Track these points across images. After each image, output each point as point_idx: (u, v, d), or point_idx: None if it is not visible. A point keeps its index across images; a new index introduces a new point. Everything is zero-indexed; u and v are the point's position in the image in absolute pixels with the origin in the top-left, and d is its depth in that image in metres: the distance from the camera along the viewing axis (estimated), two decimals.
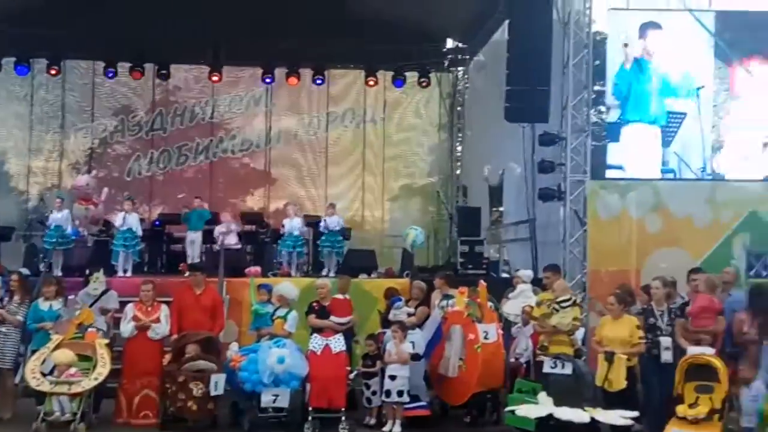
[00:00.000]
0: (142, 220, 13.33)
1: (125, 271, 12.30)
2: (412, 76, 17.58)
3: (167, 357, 9.16)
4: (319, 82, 17.45)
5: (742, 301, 8.91)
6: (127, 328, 9.27)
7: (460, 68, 18.32)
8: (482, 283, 9.69)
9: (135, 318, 9.28)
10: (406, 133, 18.47)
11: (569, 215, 11.61)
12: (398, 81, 17.56)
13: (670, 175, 11.80)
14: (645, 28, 11.72)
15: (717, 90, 11.88)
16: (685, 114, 11.80)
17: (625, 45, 11.75)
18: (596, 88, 15.22)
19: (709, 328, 8.57)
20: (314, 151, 18.17)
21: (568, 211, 11.58)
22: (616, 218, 11.45)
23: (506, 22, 12.64)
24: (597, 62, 12.42)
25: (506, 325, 9.93)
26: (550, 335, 8.78)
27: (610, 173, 11.91)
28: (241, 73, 17.84)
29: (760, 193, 11.58)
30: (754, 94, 11.93)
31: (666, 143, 11.78)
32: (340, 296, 9.85)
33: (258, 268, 12.35)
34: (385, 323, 9.75)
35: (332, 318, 9.46)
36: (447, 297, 9.71)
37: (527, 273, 10.61)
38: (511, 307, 10.12)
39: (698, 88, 11.82)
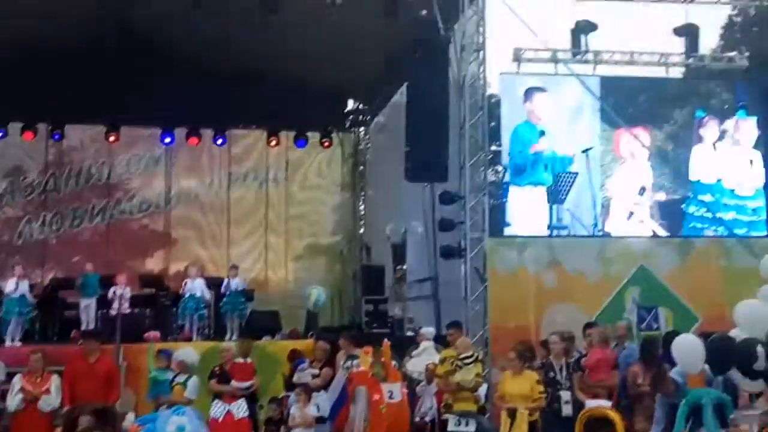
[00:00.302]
0: (32, 286, 12.76)
1: (13, 340, 11.69)
2: (314, 136, 17.70)
3: (58, 431, 8.68)
4: (220, 142, 17.33)
5: (636, 354, 9.19)
6: (14, 401, 8.78)
7: (361, 128, 18.56)
8: (386, 342, 9.67)
9: (23, 390, 8.80)
10: (309, 192, 18.46)
11: (470, 272, 11.74)
12: (300, 141, 17.65)
13: (565, 232, 12.16)
14: (531, 92, 12.21)
15: (604, 151, 12.38)
16: (576, 174, 12.26)
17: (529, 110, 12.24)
18: (493, 148, 15.72)
19: (605, 382, 8.78)
20: (216, 212, 17.88)
21: (469, 268, 11.71)
22: (515, 274, 11.71)
23: (405, 84, 12.90)
24: (492, 124, 12.79)
25: (411, 383, 9.90)
26: (454, 393, 8.81)
27: (508, 230, 12.17)
28: (139, 133, 17.52)
29: (647, 249, 12.10)
30: (635, 158, 12.53)
31: (560, 201, 12.17)
32: (241, 360, 9.63)
33: (157, 333, 11.96)
34: (289, 386, 9.57)
35: (233, 383, 9.22)
36: (352, 357, 9.63)
37: (430, 330, 10.67)
38: (415, 365, 10.12)
39: (587, 149, 12.31)
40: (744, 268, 7.38)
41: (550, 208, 12.07)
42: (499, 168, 12.94)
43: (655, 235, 12.35)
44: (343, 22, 12.38)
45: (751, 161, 12.80)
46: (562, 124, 12.37)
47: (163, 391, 9.08)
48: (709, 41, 18.87)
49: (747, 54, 16.68)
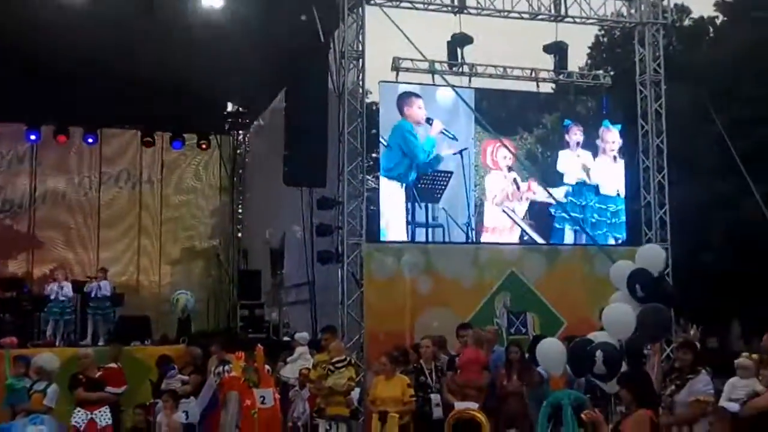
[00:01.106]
0: None
1: None
2: (191, 138, 17.35)
3: None
4: (90, 141, 16.67)
5: (503, 357, 9.46)
6: None
7: (241, 132, 18.33)
8: (259, 347, 9.56)
9: None
10: (186, 195, 18.08)
11: (347, 277, 11.76)
12: (177, 142, 17.25)
13: (439, 231, 12.35)
14: (407, 96, 12.38)
15: (477, 152, 12.68)
16: (451, 173, 12.46)
17: (428, 121, 12.35)
18: (374, 155, 15.86)
19: (476, 382, 9.00)
20: (85, 213, 17.20)
21: (346, 273, 11.72)
22: (391, 280, 11.80)
23: (284, 89, 12.83)
24: (374, 131, 12.91)
25: (284, 388, 9.83)
26: (326, 397, 8.80)
27: (384, 236, 12.28)
28: (2, 129, 16.61)
29: (517, 255, 12.48)
30: (501, 167, 12.90)
31: (435, 199, 12.36)
32: (113, 365, 9.27)
33: (14, 339, 11.34)
34: (157, 393, 9.30)
35: (109, 389, 8.85)
36: (224, 363, 9.48)
37: (304, 336, 10.64)
38: (290, 370, 10.08)
39: (461, 150, 12.55)
40: (604, 275, 7.73)
41: (427, 207, 12.24)
42: (379, 175, 13.04)
43: (524, 243, 12.75)
44: (222, 24, 12.19)
45: (614, 168, 13.41)
46: (437, 125, 12.52)
47: (21, 399, 8.61)
48: (577, 59, 19.88)
49: (611, 72, 17.67)
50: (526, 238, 12.84)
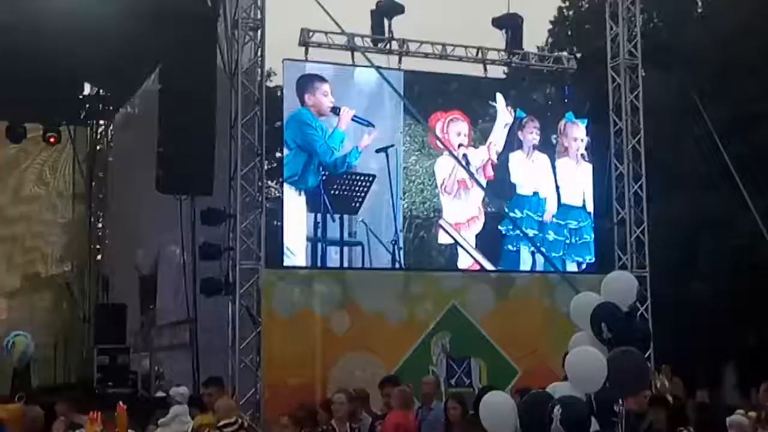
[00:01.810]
0: None
1: None
2: (34, 129, 16.85)
3: None
4: None
5: (443, 416, 9.44)
6: None
7: (102, 122, 18.02)
8: (121, 405, 9.28)
9: None
10: (27, 205, 17.68)
11: (240, 313, 11.70)
12: (15, 134, 16.71)
13: (358, 249, 12.34)
14: (309, 80, 12.35)
15: (408, 150, 12.73)
16: (373, 176, 12.49)
17: (334, 110, 12.30)
18: (277, 155, 15.78)
19: None
20: None
21: (239, 307, 11.67)
22: (297, 316, 11.78)
23: (159, 67, 12.66)
24: (277, 123, 12.83)
25: None
26: None
27: (290, 260, 12.20)
28: None
29: (460, 285, 12.56)
30: (453, 147, 12.99)
31: (352, 210, 12.39)
32: None
33: None
34: None
35: None
36: (73, 426, 9.20)
37: (181, 391, 10.39)
38: None
39: (385, 148, 12.54)
40: (568, 309, 7.81)
41: (341, 220, 12.29)
42: (282, 180, 12.97)
43: (468, 269, 12.83)
44: None
45: (579, 172, 13.61)
46: (346, 114, 12.45)
47: None
48: (534, 37, 20.23)
49: (577, 55, 18.05)
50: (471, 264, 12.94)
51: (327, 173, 12.28)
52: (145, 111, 14.91)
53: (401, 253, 12.57)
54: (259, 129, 11.96)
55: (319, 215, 12.20)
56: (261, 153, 11.99)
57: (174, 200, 13.29)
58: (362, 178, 12.47)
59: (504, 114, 13.30)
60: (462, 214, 13.00)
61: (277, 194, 18.99)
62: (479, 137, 13.17)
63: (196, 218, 12.68)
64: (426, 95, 13.00)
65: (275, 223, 15.60)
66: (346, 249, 12.40)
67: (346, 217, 12.34)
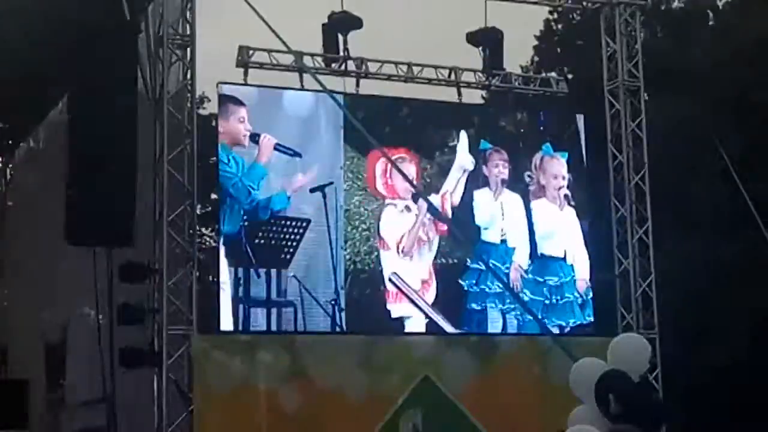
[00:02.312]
0: None
1: None
2: None
3: None
4: None
5: None
6: None
7: None
8: None
9: None
10: None
11: (168, 390, 11.62)
12: None
13: (290, 310, 12.25)
14: (223, 102, 12.32)
15: (349, 188, 12.66)
16: (307, 221, 12.40)
17: (253, 138, 12.22)
18: (213, 196, 15.72)
19: None
20: None
21: (166, 382, 11.59)
22: (238, 393, 11.73)
23: (66, 94, 12.63)
24: (212, 159, 12.81)
25: None
26: None
27: (227, 323, 12.13)
28: None
29: (433, 351, 12.56)
30: (397, 195, 12.89)
31: (281, 263, 12.25)
32: None
33: None
34: None
35: None
36: None
37: None
38: None
39: (321, 186, 12.46)
40: (563, 380, 7.78)
41: (268, 276, 12.17)
42: (219, 228, 12.92)
43: (443, 332, 12.80)
44: None
45: (560, 218, 13.62)
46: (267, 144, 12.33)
47: None
48: (517, 55, 20.36)
49: (569, 75, 18.22)
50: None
51: (248, 218, 12.18)
52: (52, 145, 14.83)
53: (342, 315, 12.47)
54: (189, 166, 11.89)
55: (240, 270, 12.09)
56: (193, 195, 11.91)
57: (87, 252, 13.16)
58: (293, 223, 12.36)
59: (464, 157, 13.27)
60: (414, 278, 12.87)
61: (213, 244, 18.90)
62: (437, 173, 13.15)
63: (114, 274, 12.51)
64: (371, 123, 12.73)
65: (210, 279, 15.50)
66: (274, 311, 12.29)
67: (273, 271, 12.21)
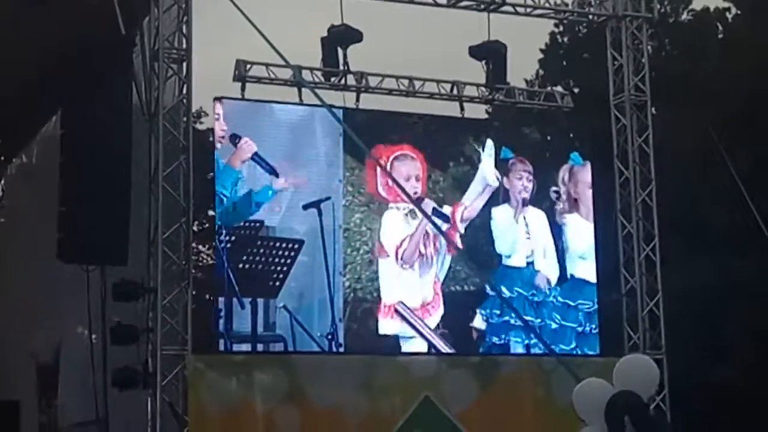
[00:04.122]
0: None
1: None
2: None
3: None
4: None
5: None
6: None
7: None
8: None
9: None
10: None
11: (161, 411, 11.62)
12: None
13: (279, 345, 12.08)
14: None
15: (349, 203, 12.36)
16: (300, 242, 12.05)
17: (233, 139, 12.10)
18: (210, 213, 15.73)
19: None
20: None
21: (160, 404, 11.60)
22: (234, 414, 11.75)
23: (60, 109, 12.67)
24: (209, 174, 12.84)
25: None
26: None
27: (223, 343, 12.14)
28: None
29: (434, 372, 12.54)
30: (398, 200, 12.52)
31: (270, 292, 11.93)
32: None
33: None
34: None
35: None
36: None
37: None
38: None
39: (317, 202, 12.14)
40: (568, 402, 7.82)
41: (254, 306, 11.70)
42: (215, 244, 12.92)
43: (445, 353, 12.80)
44: None
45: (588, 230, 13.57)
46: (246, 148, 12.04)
47: None
48: (521, 69, 20.43)
49: (575, 89, 18.24)
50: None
51: (231, 238, 11.80)
52: (45, 162, 14.88)
53: (341, 351, 12.18)
54: (185, 182, 11.91)
55: (221, 299, 11.79)
56: (188, 212, 11.93)
57: (80, 271, 13.18)
58: (284, 245, 11.92)
59: (488, 170, 12.95)
60: (414, 296, 12.53)
61: (210, 261, 18.89)
62: (452, 187, 12.92)
63: (108, 293, 12.52)
64: (368, 130, 12.37)
65: (206, 297, 15.50)
66: (260, 347, 12.04)
67: (260, 301, 11.89)
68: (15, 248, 17.36)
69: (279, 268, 11.73)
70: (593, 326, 13.34)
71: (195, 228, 12.44)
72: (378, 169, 12.38)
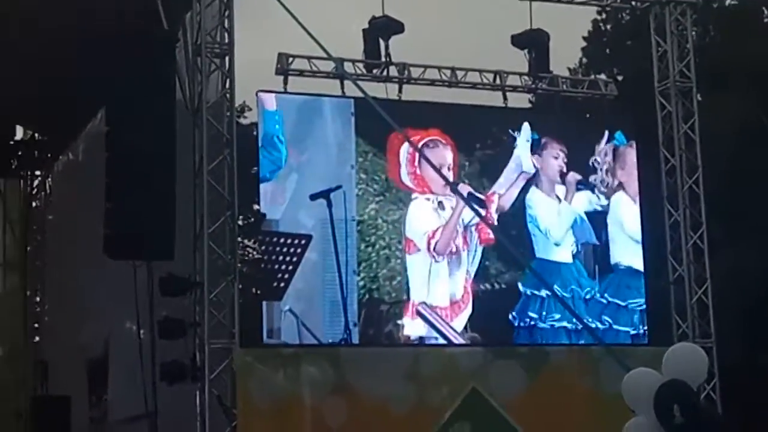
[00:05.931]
0: None
1: None
2: None
3: None
4: None
5: None
6: None
7: (38, 172, 18.12)
8: None
9: None
10: None
11: (210, 404, 11.64)
12: None
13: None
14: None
15: (363, 192, 11.81)
16: (307, 238, 11.53)
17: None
18: (255, 207, 15.80)
19: None
20: None
21: (208, 397, 11.62)
22: (281, 407, 11.78)
23: (104, 106, 12.75)
24: (254, 169, 12.88)
25: None
26: None
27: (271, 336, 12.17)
28: None
29: (480, 363, 12.50)
30: (430, 182, 12.07)
31: (274, 294, 11.50)
32: None
33: None
34: None
35: None
36: None
37: None
38: None
39: (327, 191, 11.53)
40: (617, 392, 7.78)
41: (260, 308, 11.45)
42: (260, 238, 12.95)
43: (491, 344, 12.78)
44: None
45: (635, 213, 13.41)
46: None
47: None
48: (564, 57, 20.35)
49: (619, 77, 18.14)
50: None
51: None
52: (90, 158, 14.98)
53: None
54: (229, 176, 11.94)
55: None
56: (233, 206, 11.96)
57: (127, 266, 13.27)
58: (289, 241, 11.21)
59: (524, 153, 12.66)
60: (443, 293, 12.06)
61: (257, 256, 18.98)
62: (476, 172, 12.58)
63: (155, 288, 12.60)
64: (394, 104, 12.03)
65: (253, 291, 15.56)
66: None
67: (264, 304, 11.63)
68: (63, 246, 17.54)
69: (284, 267, 10.97)
70: (645, 329, 13.20)
71: (240, 222, 12.44)
72: (401, 157, 11.94)
